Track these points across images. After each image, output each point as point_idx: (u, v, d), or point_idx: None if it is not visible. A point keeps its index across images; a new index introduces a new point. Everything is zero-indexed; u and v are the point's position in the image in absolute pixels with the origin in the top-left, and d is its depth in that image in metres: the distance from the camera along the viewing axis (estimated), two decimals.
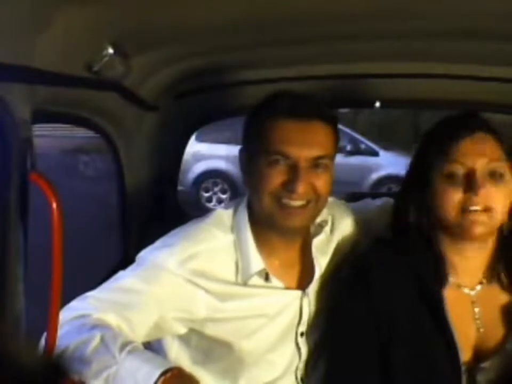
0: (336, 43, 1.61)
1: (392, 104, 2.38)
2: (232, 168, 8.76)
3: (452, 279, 1.28)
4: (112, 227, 2.13)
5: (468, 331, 1.26)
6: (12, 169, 1.07)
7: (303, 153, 1.19)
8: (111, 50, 1.27)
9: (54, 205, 1.10)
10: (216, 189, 8.85)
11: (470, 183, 1.20)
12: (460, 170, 1.22)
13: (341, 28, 1.42)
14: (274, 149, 1.20)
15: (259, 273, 1.28)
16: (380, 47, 1.64)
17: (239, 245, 1.28)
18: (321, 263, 1.34)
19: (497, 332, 1.26)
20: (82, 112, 1.57)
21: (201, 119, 2.31)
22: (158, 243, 1.36)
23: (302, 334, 1.33)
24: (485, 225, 1.21)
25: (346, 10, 1.26)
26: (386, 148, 9.57)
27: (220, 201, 8.78)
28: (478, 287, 1.29)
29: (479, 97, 2.05)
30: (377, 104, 2.18)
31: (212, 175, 8.84)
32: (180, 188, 2.51)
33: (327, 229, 1.36)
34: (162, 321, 1.27)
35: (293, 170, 1.19)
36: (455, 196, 1.21)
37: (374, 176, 9.22)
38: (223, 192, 8.79)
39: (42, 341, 1.13)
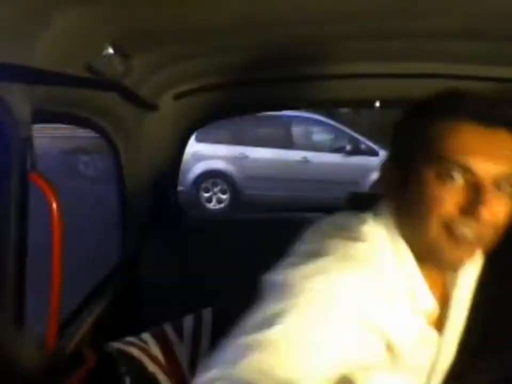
0: (336, 43, 1.61)
1: (392, 104, 2.38)
2: (232, 168, 8.76)
3: None
4: (112, 227, 2.13)
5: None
6: (12, 169, 1.08)
7: (490, 167, 0.90)
8: (111, 50, 1.27)
9: (54, 205, 1.11)
10: (216, 189, 8.84)
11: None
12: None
13: (341, 27, 1.42)
14: (453, 159, 0.90)
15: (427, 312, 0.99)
16: (380, 47, 1.64)
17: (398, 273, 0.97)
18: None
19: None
20: (82, 112, 1.57)
21: (201, 119, 2.31)
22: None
23: None
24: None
25: (346, 10, 1.26)
26: (386, 148, 9.56)
27: (219, 201, 8.77)
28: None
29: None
30: (377, 104, 2.18)
31: (211, 175, 8.83)
32: (179, 188, 2.51)
33: None
34: None
35: (475, 190, 0.90)
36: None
37: (374, 176, 9.22)
38: (223, 192, 8.78)
39: (43, 340, 1.13)
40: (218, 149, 8.84)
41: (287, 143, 8.73)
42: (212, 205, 8.77)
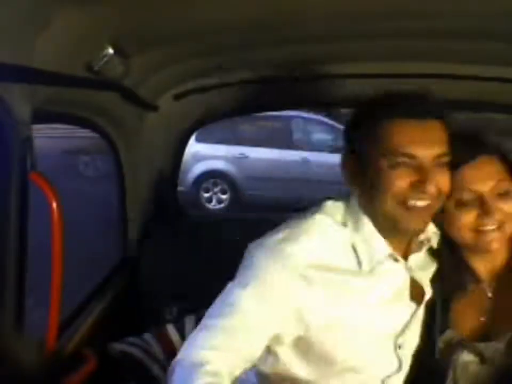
0: (336, 43, 1.61)
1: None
2: (232, 168, 8.76)
3: (472, 283, 1.32)
4: (112, 227, 2.13)
5: (478, 325, 1.30)
6: (12, 169, 1.08)
7: (428, 151, 1.16)
8: (111, 50, 1.27)
9: (54, 205, 1.11)
10: (216, 189, 8.84)
11: (481, 206, 1.23)
12: (469, 196, 1.24)
13: (341, 28, 1.43)
14: (398, 151, 1.16)
15: (387, 257, 1.24)
16: (380, 47, 1.64)
17: (358, 235, 1.24)
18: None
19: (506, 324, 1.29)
20: (83, 112, 1.57)
21: (201, 119, 2.31)
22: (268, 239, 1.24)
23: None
24: (499, 240, 1.26)
25: (347, 10, 1.26)
26: None
27: (220, 201, 8.77)
28: (494, 282, 1.32)
29: (479, 97, 2.05)
30: None
31: (211, 176, 8.83)
32: (179, 188, 2.51)
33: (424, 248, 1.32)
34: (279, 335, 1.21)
35: (420, 171, 1.16)
36: (467, 219, 1.25)
37: None
38: (223, 192, 8.78)
39: (43, 341, 1.13)
40: (218, 149, 8.84)
41: (287, 143, 8.73)
42: (212, 205, 8.76)
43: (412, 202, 1.17)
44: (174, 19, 1.25)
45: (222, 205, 8.71)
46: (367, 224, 1.24)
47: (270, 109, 3.38)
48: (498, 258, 1.32)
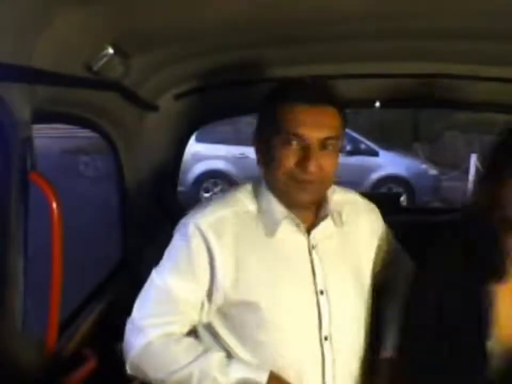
0: (336, 43, 1.61)
1: (392, 104, 2.38)
2: (232, 168, 8.76)
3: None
4: (112, 227, 2.13)
5: None
6: (12, 169, 1.08)
7: (314, 134, 1.29)
8: (111, 50, 1.27)
9: (54, 205, 1.11)
10: (216, 189, 8.85)
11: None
12: None
13: (341, 28, 1.43)
14: (289, 131, 1.29)
15: (285, 220, 1.38)
16: (380, 47, 1.64)
17: (261, 207, 1.39)
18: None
19: None
20: (83, 112, 1.57)
21: (201, 119, 2.31)
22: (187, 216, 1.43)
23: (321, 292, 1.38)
24: None
25: (346, 10, 1.26)
26: (386, 148, 9.56)
27: None
28: None
29: (479, 97, 2.06)
30: (377, 104, 2.18)
31: (211, 176, 8.84)
32: (179, 188, 2.51)
33: (329, 221, 1.42)
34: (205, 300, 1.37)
35: (305, 150, 1.29)
36: None
37: (374, 176, 9.22)
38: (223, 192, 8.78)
39: (43, 341, 1.13)
40: (218, 149, 8.84)
41: None
42: None
43: (299, 176, 1.30)
44: (174, 19, 1.25)
45: None
46: (267, 195, 1.39)
47: None
48: None
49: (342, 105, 1.36)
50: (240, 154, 8.75)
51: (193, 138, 3.12)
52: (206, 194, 8.83)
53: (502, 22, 1.30)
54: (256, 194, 1.42)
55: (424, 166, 9.61)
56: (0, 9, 0.92)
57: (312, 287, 1.36)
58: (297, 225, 1.37)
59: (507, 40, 1.47)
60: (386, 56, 1.77)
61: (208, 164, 8.81)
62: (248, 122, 8.43)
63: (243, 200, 1.41)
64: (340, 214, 1.44)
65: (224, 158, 8.81)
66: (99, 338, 1.62)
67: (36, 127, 1.14)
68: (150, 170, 2.13)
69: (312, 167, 1.28)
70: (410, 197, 9.00)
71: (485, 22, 1.31)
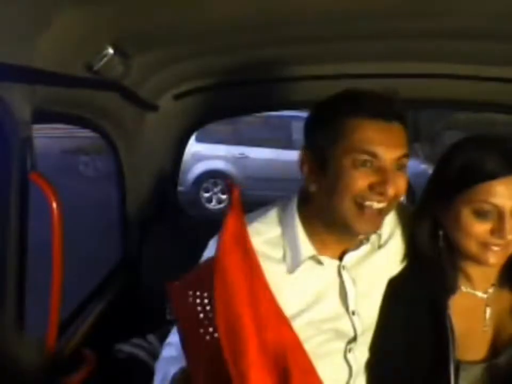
0: (336, 43, 1.61)
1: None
2: (232, 168, 8.76)
3: (464, 287, 1.31)
4: (112, 227, 2.13)
5: (478, 332, 1.29)
6: (12, 169, 1.08)
7: (390, 154, 1.17)
8: (111, 50, 1.27)
9: (54, 205, 1.10)
10: (216, 189, 8.85)
11: (498, 221, 1.20)
12: (489, 208, 1.21)
13: (341, 27, 1.42)
14: (362, 149, 1.16)
15: (309, 259, 1.26)
16: (380, 47, 1.64)
17: (285, 236, 1.27)
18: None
19: (507, 333, 1.29)
20: (83, 112, 1.57)
21: (201, 119, 2.31)
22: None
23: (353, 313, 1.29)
24: (501, 258, 1.24)
25: (347, 10, 1.26)
26: None
27: (220, 201, 8.77)
28: (491, 290, 1.31)
29: (479, 97, 2.06)
30: None
31: (211, 176, 8.83)
32: (179, 188, 2.51)
33: (366, 246, 1.32)
34: None
35: (381, 172, 1.16)
36: (480, 230, 1.22)
37: None
38: (223, 192, 8.78)
39: (43, 341, 1.13)
40: (218, 149, 8.84)
41: (287, 143, 8.73)
42: (212, 205, 8.77)
43: (369, 203, 1.17)
44: (174, 19, 1.25)
45: (222, 205, 8.71)
46: (298, 229, 1.26)
47: (270, 109, 3.37)
48: (494, 269, 1.31)
49: (407, 120, 1.24)
50: (240, 154, 8.74)
51: (193, 138, 3.11)
52: (206, 194, 8.82)
53: (502, 22, 1.30)
54: (283, 218, 1.29)
55: (424, 166, 9.61)
56: (0, 9, 0.92)
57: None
58: (322, 263, 1.27)
59: (507, 40, 1.46)
60: (386, 56, 1.77)
61: (208, 164, 8.80)
62: (248, 122, 8.46)
63: (269, 224, 1.29)
64: (380, 236, 1.32)
65: (224, 158, 8.80)
66: (99, 338, 1.62)
67: (36, 127, 1.14)
68: (150, 170, 2.13)
69: (390, 190, 1.16)
70: (410, 197, 8.98)
71: (485, 22, 1.31)
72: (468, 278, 1.31)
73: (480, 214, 1.21)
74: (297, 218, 1.27)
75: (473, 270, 1.30)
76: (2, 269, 1.09)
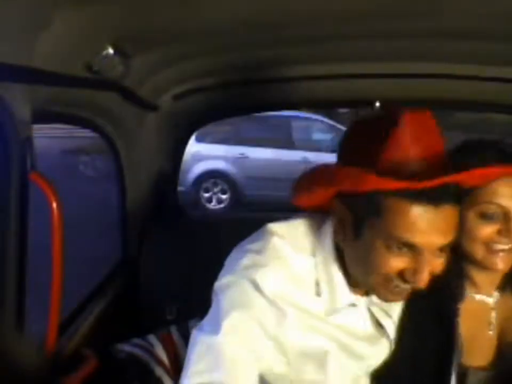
0: (336, 43, 1.61)
1: (392, 104, 2.38)
2: (232, 168, 8.76)
3: (469, 292, 1.31)
4: (112, 227, 2.13)
5: (483, 337, 1.29)
6: (12, 169, 1.08)
7: (432, 243, 1.02)
8: (111, 50, 1.27)
9: (54, 205, 1.10)
10: (216, 189, 8.85)
11: (505, 222, 1.19)
12: (495, 210, 1.20)
13: (341, 27, 1.42)
14: (399, 237, 1.01)
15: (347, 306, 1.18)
16: (380, 47, 1.64)
17: (324, 274, 1.15)
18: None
19: (510, 336, 1.29)
20: (83, 112, 1.57)
21: (201, 119, 2.31)
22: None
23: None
24: (508, 262, 1.23)
25: (347, 10, 1.26)
26: None
27: (220, 201, 8.78)
28: (496, 294, 1.31)
29: (479, 97, 2.06)
30: (377, 104, 2.17)
31: (211, 176, 8.84)
32: (179, 188, 2.51)
33: None
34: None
35: (417, 259, 1.03)
36: (486, 232, 1.20)
37: None
38: (223, 192, 8.79)
39: (43, 341, 1.13)
40: (218, 149, 8.84)
41: (287, 143, 8.73)
42: (212, 205, 8.77)
43: (398, 285, 1.07)
44: (174, 19, 1.25)
45: (222, 205, 8.72)
46: (336, 272, 1.15)
47: (270, 109, 3.38)
48: (498, 274, 1.29)
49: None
50: (240, 154, 8.74)
51: (193, 138, 3.11)
52: (206, 194, 8.82)
53: (502, 22, 1.30)
54: (319, 254, 1.15)
55: None
56: (0, 9, 0.92)
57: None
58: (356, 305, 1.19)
59: (507, 40, 1.46)
60: (386, 56, 1.77)
61: (208, 163, 8.80)
62: (248, 122, 8.45)
63: (294, 255, 1.15)
64: None
65: (224, 158, 8.80)
66: (99, 338, 1.62)
67: (36, 127, 1.14)
68: (150, 170, 2.13)
69: (423, 276, 1.03)
70: None
71: (485, 22, 1.31)
72: (474, 284, 1.31)
73: (486, 216, 1.19)
74: (337, 262, 1.15)
75: (479, 276, 1.29)
76: (2, 269, 1.09)
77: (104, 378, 1.48)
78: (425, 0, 1.23)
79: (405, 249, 1.03)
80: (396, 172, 1.00)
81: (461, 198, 1.06)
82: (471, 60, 1.74)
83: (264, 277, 1.11)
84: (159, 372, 1.69)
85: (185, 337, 1.75)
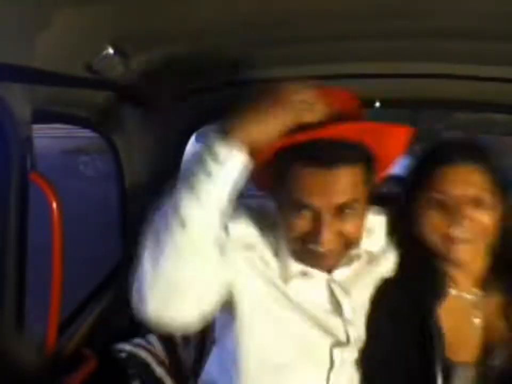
0: (336, 43, 1.61)
1: (392, 104, 2.38)
2: None
3: (450, 289, 1.31)
4: (112, 227, 2.13)
5: (467, 332, 1.29)
6: (12, 169, 1.08)
7: (327, 201, 1.11)
8: (111, 50, 1.27)
9: (54, 205, 1.11)
10: None
11: (450, 209, 1.21)
12: (440, 197, 1.22)
13: (341, 27, 1.42)
14: (298, 200, 1.13)
15: (298, 274, 1.25)
16: (380, 47, 1.64)
17: (277, 244, 1.26)
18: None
19: (497, 333, 1.28)
20: (82, 112, 1.57)
21: (201, 119, 2.31)
22: None
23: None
24: (471, 253, 1.24)
25: (346, 10, 1.26)
26: None
27: None
28: (477, 292, 1.31)
29: (479, 97, 2.05)
30: (377, 104, 2.17)
31: None
32: None
33: (357, 264, 1.30)
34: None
35: (317, 220, 1.13)
36: (434, 219, 1.23)
37: None
38: None
39: (43, 341, 1.13)
40: None
41: None
42: None
43: (312, 246, 1.15)
44: (174, 19, 1.25)
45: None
46: (281, 243, 1.24)
47: None
48: (478, 271, 1.30)
49: (364, 158, 1.17)
50: None
51: (193, 138, 3.10)
52: None
53: (501, 22, 1.30)
54: (275, 225, 1.26)
55: None
56: (0, 9, 0.92)
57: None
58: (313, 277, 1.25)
59: (506, 40, 1.46)
60: (386, 56, 1.77)
61: None
62: None
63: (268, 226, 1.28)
64: (372, 253, 1.31)
65: None
66: (99, 338, 1.62)
67: (36, 127, 1.14)
68: (150, 170, 2.13)
69: (327, 236, 1.13)
70: None
71: (485, 22, 1.31)
72: (453, 280, 1.31)
73: (437, 204, 1.21)
74: (282, 235, 1.25)
75: (454, 272, 1.30)
76: (2, 269, 1.09)
77: (104, 378, 1.48)
78: (425, 0, 1.23)
79: (305, 211, 1.13)
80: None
81: (366, 160, 1.15)
82: (471, 60, 1.74)
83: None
84: (160, 371, 1.69)
85: (186, 336, 1.75)
